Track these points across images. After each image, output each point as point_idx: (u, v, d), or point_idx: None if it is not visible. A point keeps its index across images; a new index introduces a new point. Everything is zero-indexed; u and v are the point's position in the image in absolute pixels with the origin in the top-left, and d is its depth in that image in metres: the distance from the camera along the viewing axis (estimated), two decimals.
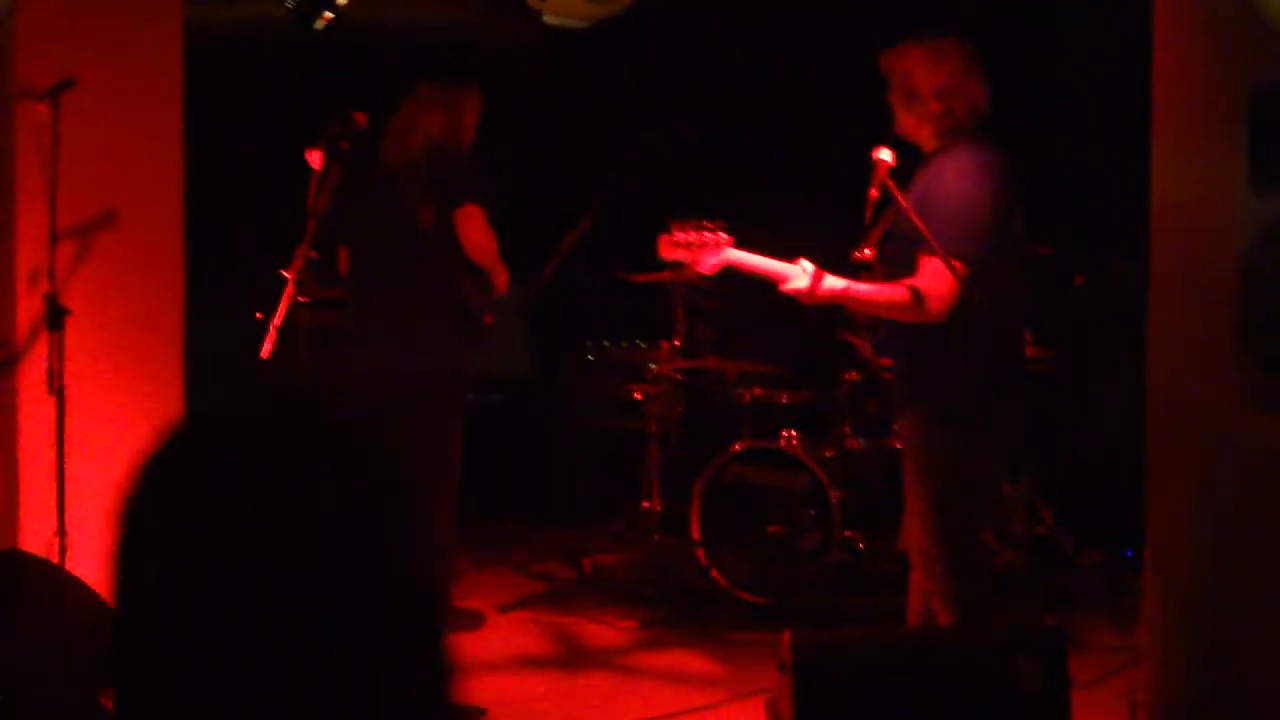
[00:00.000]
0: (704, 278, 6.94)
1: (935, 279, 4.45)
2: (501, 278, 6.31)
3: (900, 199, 4.51)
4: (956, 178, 4.56)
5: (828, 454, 6.89)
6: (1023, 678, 3.90)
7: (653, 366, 7.50)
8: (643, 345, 7.99)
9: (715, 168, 8.22)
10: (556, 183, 8.29)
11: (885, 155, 4.49)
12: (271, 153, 6.06)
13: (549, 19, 7.84)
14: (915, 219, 4.45)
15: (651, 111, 8.41)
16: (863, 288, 4.65)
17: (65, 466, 5.63)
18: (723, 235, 4.64)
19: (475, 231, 6.12)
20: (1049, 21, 7.71)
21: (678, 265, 4.61)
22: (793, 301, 4.76)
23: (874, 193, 4.50)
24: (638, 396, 7.58)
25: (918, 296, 4.48)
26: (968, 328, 4.51)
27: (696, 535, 6.87)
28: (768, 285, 4.68)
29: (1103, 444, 7.24)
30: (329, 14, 6.61)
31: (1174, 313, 4.56)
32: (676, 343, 7.41)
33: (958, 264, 4.41)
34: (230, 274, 7.03)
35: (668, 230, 4.65)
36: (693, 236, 4.61)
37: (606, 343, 8.37)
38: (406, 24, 8.43)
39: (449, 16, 8.22)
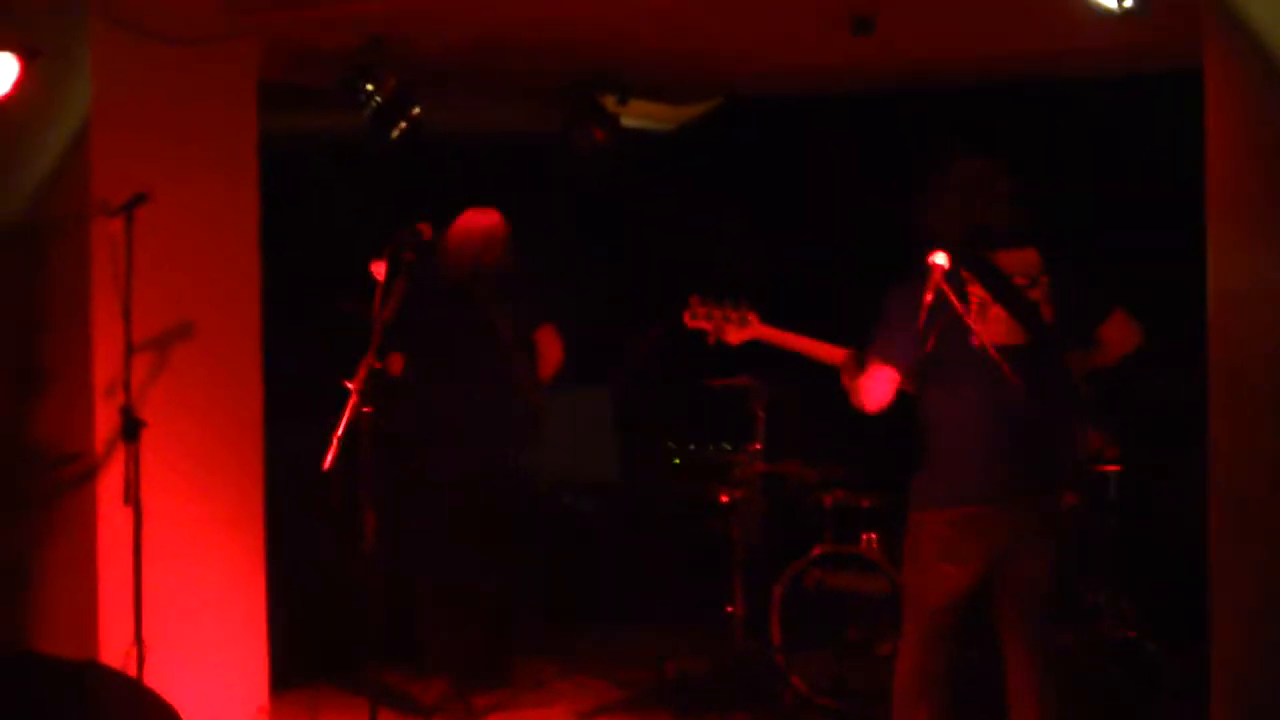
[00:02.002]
0: (770, 382, 7.07)
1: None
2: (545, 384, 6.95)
3: (956, 304, 4.51)
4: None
5: None
6: None
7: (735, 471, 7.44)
8: (728, 448, 7.93)
9: (795, 271, 8.22)
10: (637, 285, 8.30)
11: (940, 260, 4.53)
12: (344, 261, 6.13)
13: (628, 122, 7.85)
14: (970, 322, 4.47)
15: (730, 216, 8.46)
16: None
17: (143, 577, 5.69)
18: (749, 314, 4.89)
19: (552, 347, 6.87)
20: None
21: (702, 333, 4.95)
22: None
23: (929, 297, 4.50)
24: (723, 500, 7.52)
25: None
26: (932, 426, 4.85)
27: (776, 640, 6.80)
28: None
29: (1189, 541, 7.08)
30: (404, 123, 6.69)
31: (1233, 409, 4.48)
32: (758, 446, 7.35)
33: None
34: (303, 379, 7.10)
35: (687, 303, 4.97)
36: (714, 311, 4.90)
37: (693, 446, 8.32)
38: (481, 132, 8.52)
39: (525, 124, 8.28)
